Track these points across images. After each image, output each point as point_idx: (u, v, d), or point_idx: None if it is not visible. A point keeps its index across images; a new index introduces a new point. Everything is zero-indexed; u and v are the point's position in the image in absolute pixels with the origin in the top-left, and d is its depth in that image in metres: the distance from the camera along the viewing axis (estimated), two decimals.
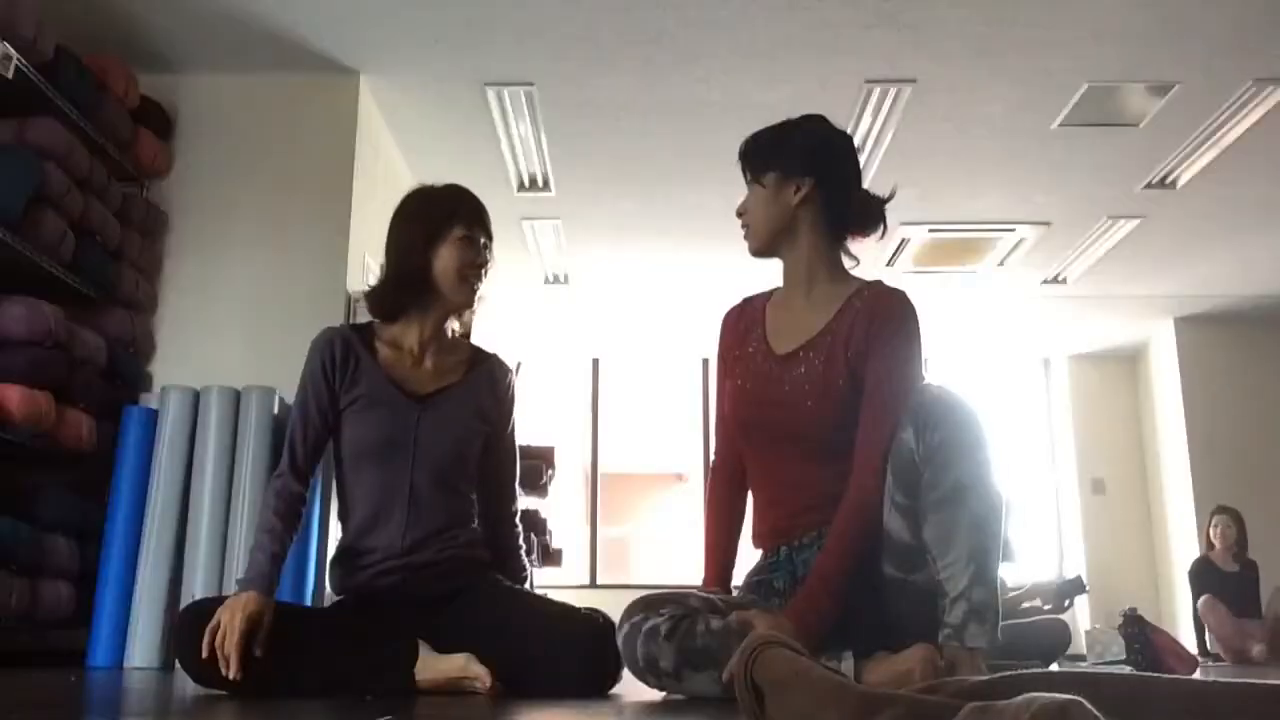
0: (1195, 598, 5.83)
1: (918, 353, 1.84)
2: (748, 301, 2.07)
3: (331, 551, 2.19)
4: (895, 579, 1.75)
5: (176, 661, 1.95)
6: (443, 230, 2.09)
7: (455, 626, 1.98)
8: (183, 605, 3.21)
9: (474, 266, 2.10)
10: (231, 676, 1.80)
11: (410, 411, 2.08)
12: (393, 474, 2.06)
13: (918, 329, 1.85)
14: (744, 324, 2.02)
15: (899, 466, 1.72)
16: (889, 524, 1.74)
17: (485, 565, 2.15)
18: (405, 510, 2.05)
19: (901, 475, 1.72)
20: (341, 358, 2.08)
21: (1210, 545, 6.01)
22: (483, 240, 2.13)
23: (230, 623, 1.82)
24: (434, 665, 1.87)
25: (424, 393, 2.11)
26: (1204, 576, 5.87)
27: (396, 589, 2.03)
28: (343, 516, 2.13)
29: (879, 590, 1.77)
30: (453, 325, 2.19)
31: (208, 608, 1.93)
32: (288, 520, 2.00)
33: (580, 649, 1.94)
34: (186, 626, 1.90)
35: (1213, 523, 6.07)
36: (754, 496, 1.99)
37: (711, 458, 2.10)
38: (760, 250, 1.97)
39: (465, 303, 2.13)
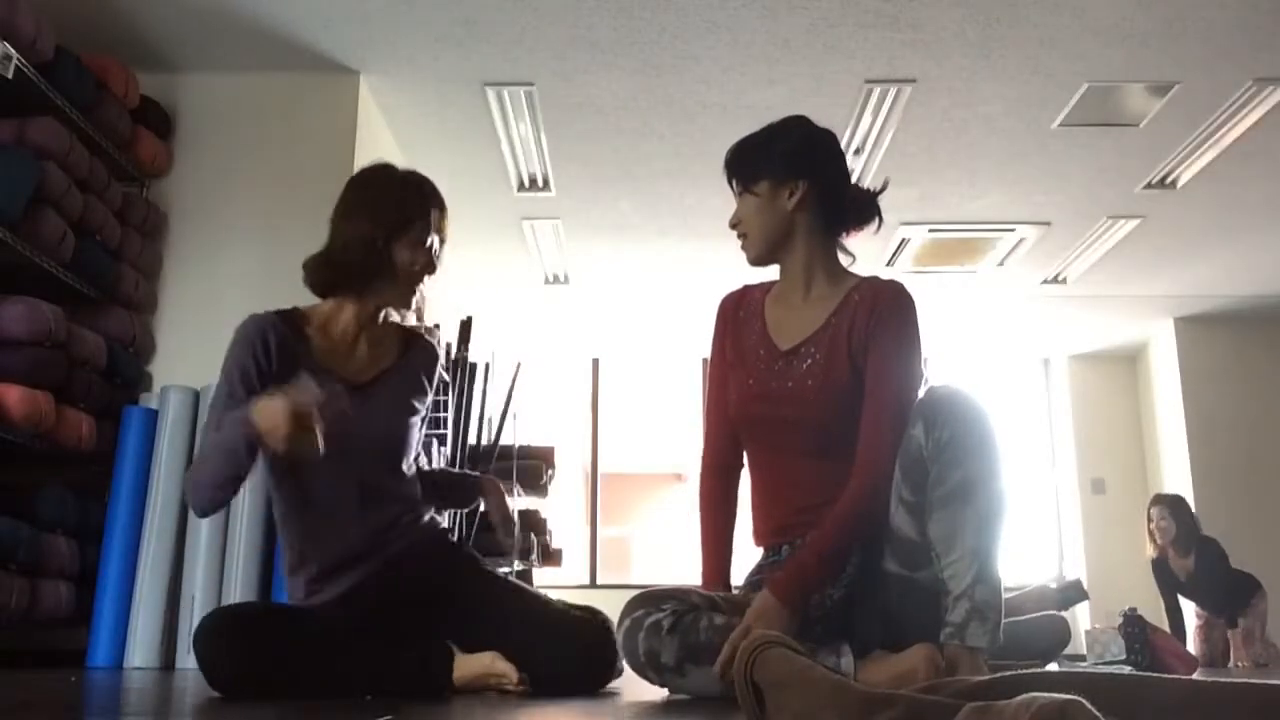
0: (1164, 597, 5.38)
1: (918, 344, 1.85)
2: (746, 290, 2.06)
3: (283, 568, 2.08)
4: (899, 576, 1.75)
5: (201, 672, 1.87)
6: (399, 231, 2.01)
7: (456, 625, 1.99)
8: (182, 605, 3.23)
9: (428, 268, 2.05)
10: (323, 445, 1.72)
11: (360, 397, 2.00)
12: (341, 469, 1.95)
13: (917, 321, 1.86)
14: (743, 314, 2.01)
15: (907, 463, 1.72)
16: (895, 521, 1.74)
17: (451, 540, 2.16)
18: (360, 504, 1.99)
19: (909, 471, 1.72)
20: (276, 349, 1.96)
21: (1154, 541, 5.36)
22: (434, 241, 2.06)
23: (282, 407, 1.71)
24: (462, 665, 1.87)
25: (362, 381, 2.04)
26: (1165, 580, 5.39)
27: (380, 586, 1.99)
28: (289, 525, 2.02)
29: (883, 588, 1.77)
30: (393, 314, 2.11)
31: (234, 610, 2.01)
32: None
33: (580, 646, 1.95)
34: (223, 632, 1.85)
35: (1149, 517, 5.38)
36: (755, 494, 1.99)
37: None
38: (760, 259, 1.96)
39: (405, 304, 2.07)
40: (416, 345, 2.16)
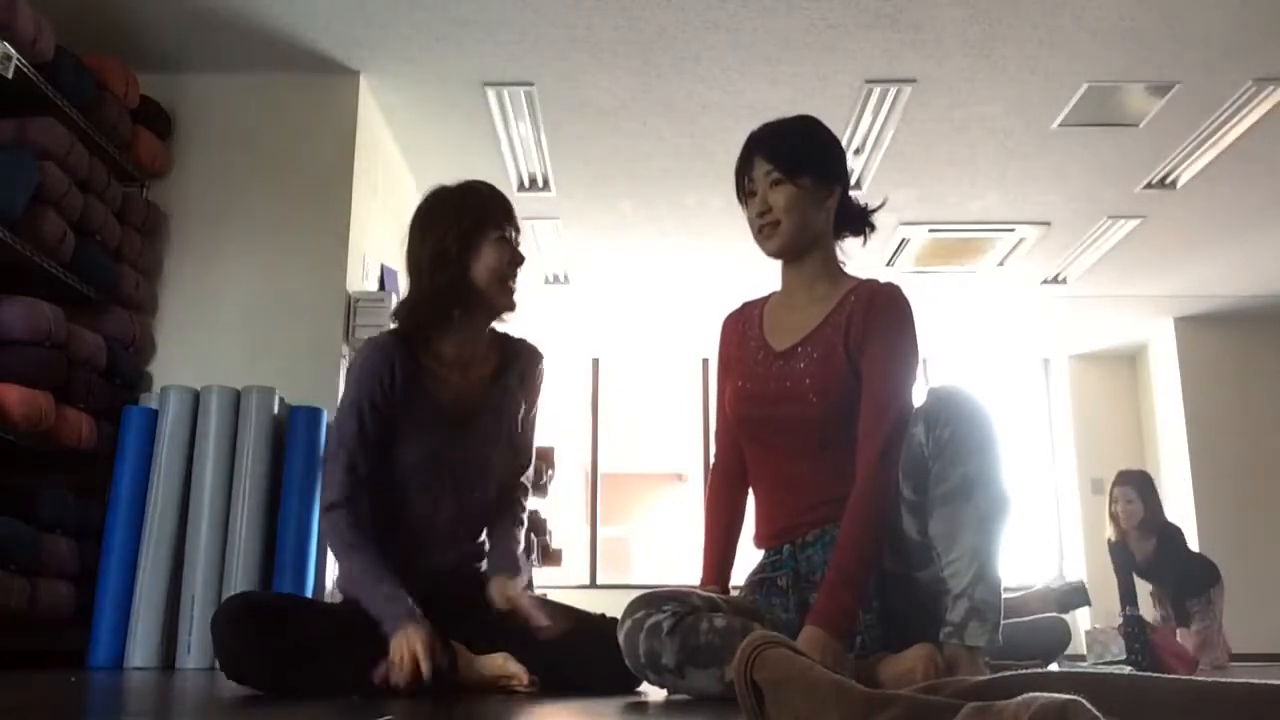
0: (1120, 581, 4.80)
1: (913, 344, 1.84)
2: (746, 305, 2.06)
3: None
4: (901, 576, 1.75)
5: (217, 663, 1.93)
6: (476, 235, 2.02)
7: (470, 626, 1.99)
8: (182, 605, 3.23)
9: (512, 265, 2.06)
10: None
11: (461, 426, 2.05)
12: (440, 489, 2.03)
13: (912, 321, 1.85)
14: (742, 325, 2.02)
15: (909, 462, 1.72)
16: (897, 520, 1.74)
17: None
18: (452, 524, 2.04)
19: (911, 471, 1.72)
20: (401, 372, 1.99)
21: (1116, 523, 4.81)
22: (515, 236, 2.09)
23: (408, 658, 1.80)
24: (473, 665, 1.89)
25: (471, 405, 2.08)
26: (1123, 563, 4.82)
27: (432, 593, 2.00)
28: (379, 528, 2.03)
29: (884, 588, 1.77)
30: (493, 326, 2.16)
31: (252, 598, 2.03)
32: (373, 544, 1.93)
33: (590, 647, 1.96)
34: (239, 618, 1.87)
35: (1112, 496, 4.81)
36: (756, 497, 1.98)
37: (712, 459, 2.10)
38: (786, 251, 1.92)
39: (508, 305, 2.09)
40: (516, 356, 2.19)
